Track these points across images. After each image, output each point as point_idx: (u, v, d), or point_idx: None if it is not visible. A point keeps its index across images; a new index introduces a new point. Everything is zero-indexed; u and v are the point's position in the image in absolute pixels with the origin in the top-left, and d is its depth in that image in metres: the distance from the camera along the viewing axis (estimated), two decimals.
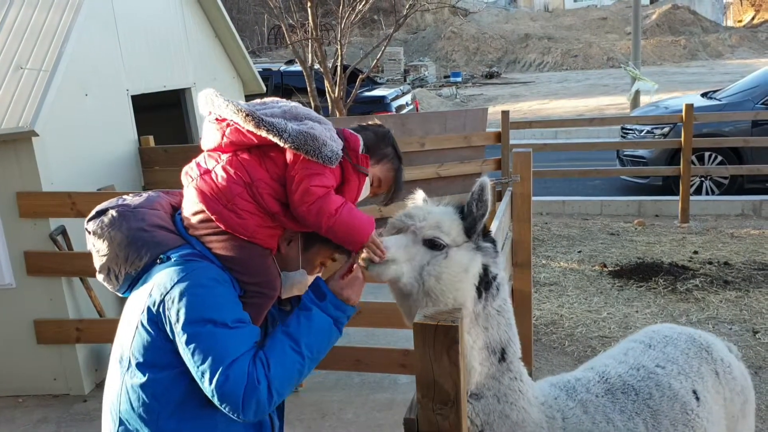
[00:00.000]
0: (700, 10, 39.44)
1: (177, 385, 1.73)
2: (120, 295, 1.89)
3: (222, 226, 1.78)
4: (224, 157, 1.82)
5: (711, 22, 38.24)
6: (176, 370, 1.72)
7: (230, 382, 1.62)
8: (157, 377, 1.73)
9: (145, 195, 1.93)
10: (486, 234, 1.93)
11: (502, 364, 1.88)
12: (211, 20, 7.57)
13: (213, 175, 1.79)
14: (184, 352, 1.68)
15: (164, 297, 1.70)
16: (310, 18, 9.54)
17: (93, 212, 1.87)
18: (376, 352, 4.44)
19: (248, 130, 1.76)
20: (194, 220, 1.83)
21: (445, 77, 30.48)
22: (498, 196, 3.99)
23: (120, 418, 1.77)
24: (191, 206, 1.83)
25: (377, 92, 13.02)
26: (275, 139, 1.74)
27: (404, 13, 11.21)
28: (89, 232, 1.85)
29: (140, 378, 1.74)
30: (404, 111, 12.77)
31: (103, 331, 4.63)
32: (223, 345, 1.66)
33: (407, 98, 13.64)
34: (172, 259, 1.76)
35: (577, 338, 5.27)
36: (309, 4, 9.47)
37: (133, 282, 1.83)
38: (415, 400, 1.59)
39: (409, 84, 22.99)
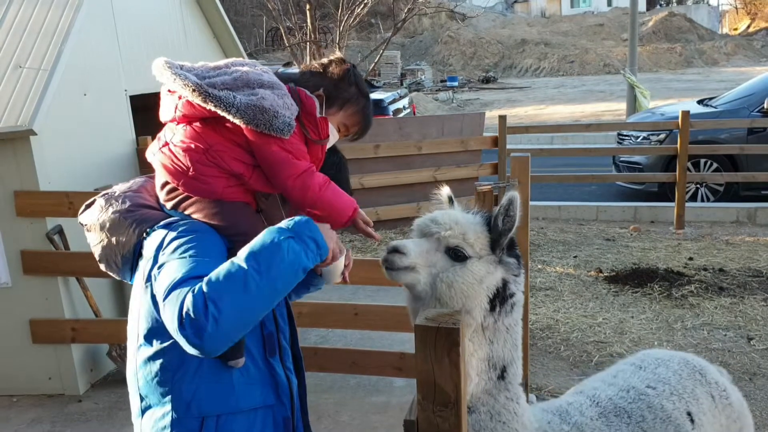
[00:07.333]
0: (696, 17, 39.73)
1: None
2: (129, 282, 1.90)
3: (190, 194, 1.79)
4: (180, 127, 1.81)
5: (707, 29, 38.52)
6: None
7: (170, 297, 1.55)
8: (166, 346, 1.72)
9: (131, 181, 1.96)
10: (512, 248, 1.88)
11: (500, 382, 1.84)
12: (210, 21, 7.57)
13: (171, 147, 1.79)
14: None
15: (157, 253, 1.68)
16: (308, 21, 9.56)
17: (83, 206, 1.91)
18: (371, 355, 4.44)
19: (197, 104, 1.73)
20: (165, 191, 1.83)
21: (442, 81, 30.56)
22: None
23: (140, 393, 1.78)
24: (159, 179, 1.85)
25: (374, 96, 12.99)
26: (224, 114, 1.70)
27: (402, 17, 11.24)
28: (83, 225, 1.88)
29: (150, 350, 1.74)
30: (401, 114, 12.80)
31: (98, 332, 4.63)
32: (182, 268, 1.61)
33: (404, 102, 13.66)
34: (157, 229, 1.76)
35: (573, 343, 5.28)
36: (308, 6, 9.49)
37: (133, 266, 1.83)
38: (415, 402, 1.59)
39: (406, 88, 23.03)
